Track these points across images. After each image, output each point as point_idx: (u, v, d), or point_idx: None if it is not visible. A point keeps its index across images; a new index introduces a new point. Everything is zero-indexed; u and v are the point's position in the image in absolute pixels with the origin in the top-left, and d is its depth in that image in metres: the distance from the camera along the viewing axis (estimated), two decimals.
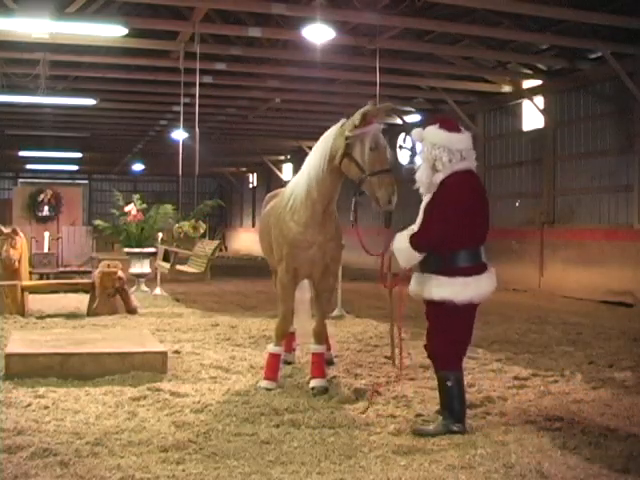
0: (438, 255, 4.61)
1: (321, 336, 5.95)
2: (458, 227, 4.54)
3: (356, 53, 14.85)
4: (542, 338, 8.57)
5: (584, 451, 4.24)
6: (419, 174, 4.76)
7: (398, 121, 20.68)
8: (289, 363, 6.62)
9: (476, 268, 4.63)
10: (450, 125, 4.78)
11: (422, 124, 5.12)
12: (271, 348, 6.00)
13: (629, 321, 10.45)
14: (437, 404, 5.07)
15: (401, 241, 4.74)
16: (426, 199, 4.76)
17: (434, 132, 4.75)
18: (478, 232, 4.68)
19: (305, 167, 5.76)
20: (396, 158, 21.74)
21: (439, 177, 4.66)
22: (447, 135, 4.70)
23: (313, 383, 5.74)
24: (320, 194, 5.60)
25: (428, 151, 4.69)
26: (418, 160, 4.87)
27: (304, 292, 6.56)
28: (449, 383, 4.64)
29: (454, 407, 4.65)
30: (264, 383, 5.80)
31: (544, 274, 14.97)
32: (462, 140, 4.73)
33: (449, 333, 4.61)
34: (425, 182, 4.72)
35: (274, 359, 5.94)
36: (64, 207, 20.16)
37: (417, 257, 4.70)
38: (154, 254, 13.62)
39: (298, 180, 5.85)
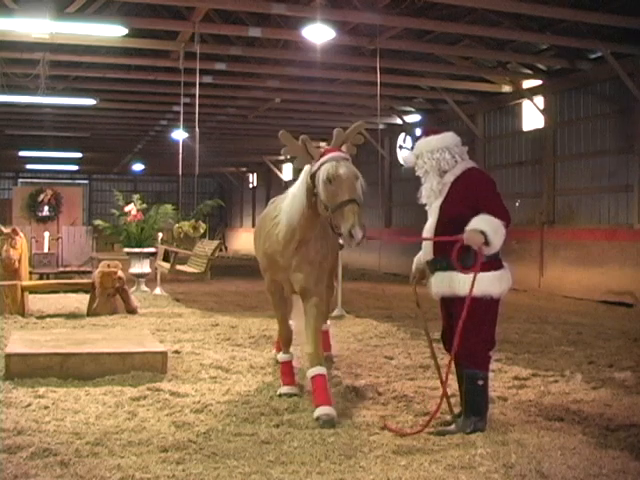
0: (471, 249, 4.52)
1: (316, 356, 5.12)
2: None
3: (356, 53, 14.86)
4: (542, 338, 8.57)
5: (584, 451, 4.23)
6: (428, 186, 4.70)
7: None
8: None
9: (501, 261, 4.68)
10: (434, 130, 4.89)
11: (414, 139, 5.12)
12: (280, 357, 5.90)
13: (629, 321, 10.45)
14: (437, 404, 5.07)
15: (489, 220, 4.49)
16: (438, 201, 4.69)
17: (425, 142, 4.79)
18: None
19: (290, 194, 5.34)
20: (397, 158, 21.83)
21: (450, 177, 4.67)
22: (438, 137, 4.77)
23: (318, 412, 4.87)
24: (300, 226, 5.19)
25: (430, 159, 4.70)
26: (421, 174, 4.77)
27: None
28: (480, 382, 4.58)
29: (481, 406, 4.63)
30: (284, 389, 5.61)
31: (544, 274, 14.96)
32: (451, 137, 4.80)
33: (482, 330, 4.55)
34: (437, 189, 4.68)
35: (286, 366, 5.80)
36: (64, 207, 20.20)
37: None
38: (154, 254, 13.63)
39: (287, 201, 5.40)
